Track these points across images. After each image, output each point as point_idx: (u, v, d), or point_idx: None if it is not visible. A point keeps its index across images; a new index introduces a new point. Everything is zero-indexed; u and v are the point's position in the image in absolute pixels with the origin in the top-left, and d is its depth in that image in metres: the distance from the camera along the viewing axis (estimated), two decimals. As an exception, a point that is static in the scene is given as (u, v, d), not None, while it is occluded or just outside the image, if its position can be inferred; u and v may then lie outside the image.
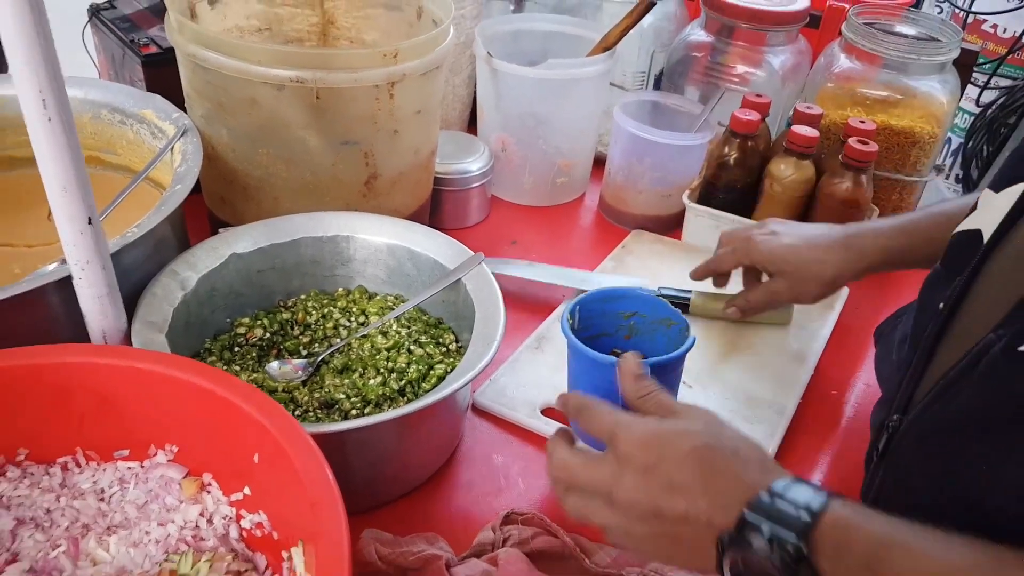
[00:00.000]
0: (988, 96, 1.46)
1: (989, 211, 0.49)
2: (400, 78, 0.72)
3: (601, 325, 0.69)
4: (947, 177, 1.30)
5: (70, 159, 0.51)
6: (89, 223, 0.53)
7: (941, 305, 0.49)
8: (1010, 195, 0.47)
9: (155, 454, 0.54)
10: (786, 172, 0.88)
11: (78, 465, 0.54)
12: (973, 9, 1.55)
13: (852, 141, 0.84)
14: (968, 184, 1.46)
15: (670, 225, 1.00)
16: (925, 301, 0.54)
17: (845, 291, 0.88)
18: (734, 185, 0.92)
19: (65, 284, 0.56)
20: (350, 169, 0.76)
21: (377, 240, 0.75)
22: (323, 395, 0.62)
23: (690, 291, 0.84)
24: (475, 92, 1.08)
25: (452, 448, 0.67)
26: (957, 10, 1.57)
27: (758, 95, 0.91)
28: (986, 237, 0.48)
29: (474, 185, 0.97)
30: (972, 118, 1.48)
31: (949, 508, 0.43)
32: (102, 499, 0.53)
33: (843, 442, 0.72)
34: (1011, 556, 0.36)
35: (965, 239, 0.51)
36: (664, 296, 0.78)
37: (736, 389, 0.75)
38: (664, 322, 0.68)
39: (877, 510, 0.52)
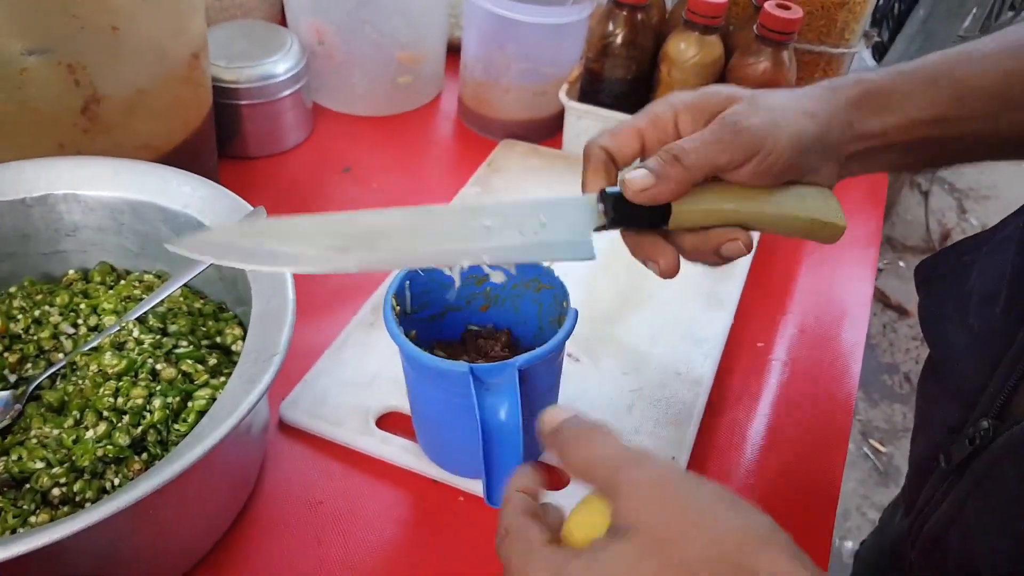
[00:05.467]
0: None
1: None
2: (98, -60, 0.46)
3: (444, 298, 0.49)
4: (868, 46, 1.14)
5: None
6: None
7: None
8: None
9: None
10: (687, 53, 0.68)
11: None
12: None
13: (769, 6, 0.63)
14: (881, 50, 1.30)
15: (547, 131, 0.79)
16: None
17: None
18: (623, 74, 0.71)
19: None
20: (51, 92, 0.50)
21: (110, 196, 0.50)
22: (10, 465, 0.40)
23: None
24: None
25: (240, 504, 0.46)
26: None
27: (647, -50, 0.69)
28: None
29: (284, 94, 0.72)
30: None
31: None
32: None
33: (779, 412, 0.56)
34: None
35: None
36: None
37: (637, 357, 0.57)
38: (531, 284, 0.48)
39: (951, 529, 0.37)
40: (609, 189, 0.38)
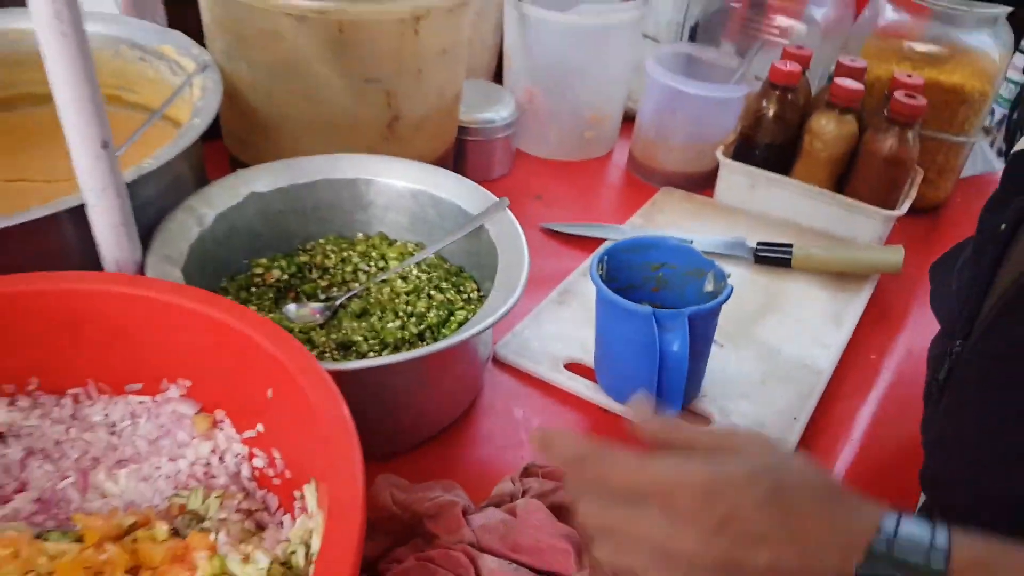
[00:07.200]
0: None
1: None
2: (425, 13, 0.69)
3: (628, 277, 0.66)
4: (992, 144, 1.25)
5: (84, 78, 0.48)
6: (104, 147, 0.51)
7: (1003, 226, 0.46)
8: None
9: (167, 388, 0.52)
10: (827, 127, 0.84)
11: (89, 397, 0.53)
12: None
13: (899, 94, 0.80)
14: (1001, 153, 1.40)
15: (701, 183, 0.97)
16: (984, 223, 0.51)
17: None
18: (772, 141, 0.88)
19: (80, 214, 0.54)
20: (372, 109, 0.73)
21: (398, 184, 0.72)
22: (340, 336, 0.60)
23: (790, 245, 0.80)
24: (502, 41, 1.04)
25: (471, 398, 0.65)
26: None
27: (799, 47, 0.87)
28: None
29: (499, 136, 0.94)
30: (1018, 89, 1.41)
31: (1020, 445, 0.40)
32: (113, 432, 0.52)
33: (881, 408, 0.69)
34: None
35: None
36: (762, 252, 0.80)
37: (770, 349, 0.72)
38: (696, 273, 0.65)
39: (941, 451, 0.46)
40: None
